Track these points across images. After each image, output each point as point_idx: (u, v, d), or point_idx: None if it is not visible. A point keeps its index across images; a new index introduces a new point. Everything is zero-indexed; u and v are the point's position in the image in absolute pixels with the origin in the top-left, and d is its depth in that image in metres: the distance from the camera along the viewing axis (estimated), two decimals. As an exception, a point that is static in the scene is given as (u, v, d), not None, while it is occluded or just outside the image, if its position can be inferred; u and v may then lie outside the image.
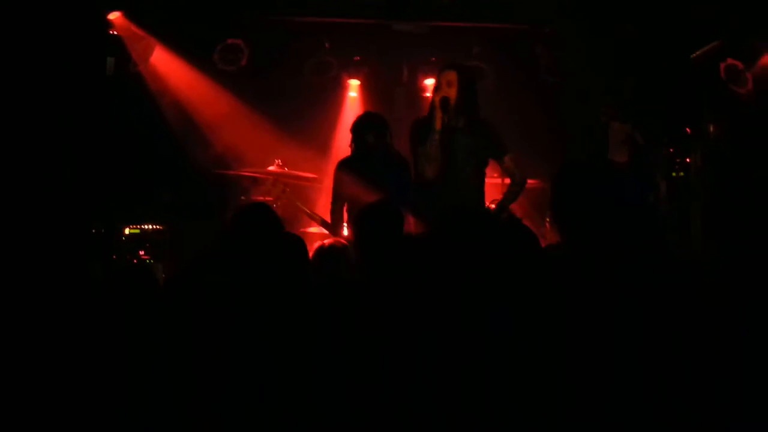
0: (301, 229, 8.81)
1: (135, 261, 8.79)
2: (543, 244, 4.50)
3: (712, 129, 8.98)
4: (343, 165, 8.05)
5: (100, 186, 8.79)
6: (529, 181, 7.79)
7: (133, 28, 9.76)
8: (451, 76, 7.16)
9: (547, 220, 9.25)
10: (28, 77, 8.20)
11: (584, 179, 4.11)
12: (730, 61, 9.48)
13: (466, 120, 7.15)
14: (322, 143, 10.30)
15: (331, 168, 8.73)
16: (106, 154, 9.09)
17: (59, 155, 8.45)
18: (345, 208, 7.84)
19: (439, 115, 7.06)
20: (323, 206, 8.60)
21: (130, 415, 3.88)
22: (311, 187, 9.70)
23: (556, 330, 3.58)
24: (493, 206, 7.72)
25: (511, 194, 7.46)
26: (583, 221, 3.98)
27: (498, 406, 3.54)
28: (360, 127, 7.95)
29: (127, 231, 9.05)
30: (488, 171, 7.52)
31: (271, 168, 9.18)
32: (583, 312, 3.58)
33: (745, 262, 3.84)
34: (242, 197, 9.69)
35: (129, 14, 9.63)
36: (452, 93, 7.11)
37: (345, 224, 7.80)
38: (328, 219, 8.12)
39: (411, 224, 6.71)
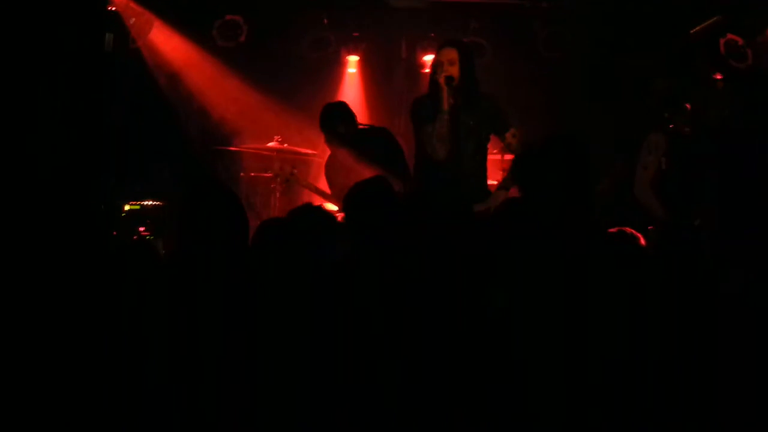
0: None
1: (135, 237, 8.79)
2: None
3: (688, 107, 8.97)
4: (330, 161, 8.13)
5: (99, 163, 8.79)
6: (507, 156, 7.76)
7: (132, 3, 9.75)
8: (453, 53, 7.13)
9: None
10: (25, 53, 8.18)
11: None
12: (730, 36, 9.47)
13: (467, 97, 7.13)
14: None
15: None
16: (105, 131, 9.09)
17: (57, 131, 8.44)
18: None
19: (445, 94, 7.03)
20: (324, 180, 8.63)
21: (135, 396, 3.90)
22: (312, 162, 9.70)
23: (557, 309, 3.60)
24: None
25: (512, 172, 7.40)
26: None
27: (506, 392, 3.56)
28: (328, 122, 8.04)
29: (126, 207, 9.05)
30: (489, 147, 7.52)
31: (270, 144, 9.18)
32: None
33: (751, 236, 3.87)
34: (242, 173, 9.72)
35: (127, -10, 9.63)
36: (455, 71, 7.09)
37: None
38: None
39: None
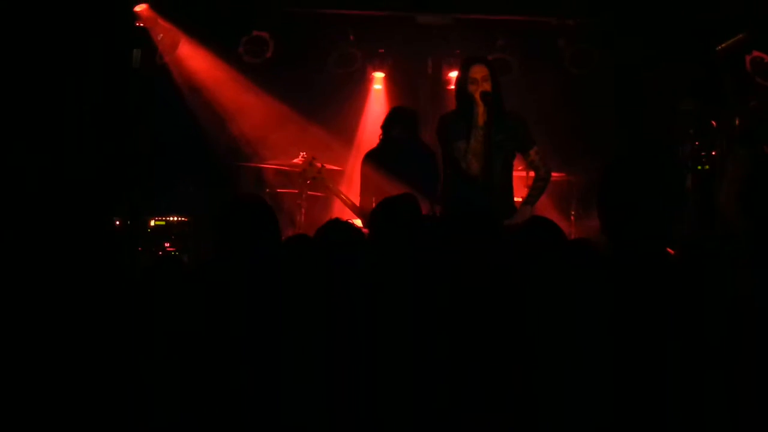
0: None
1: (160, 253, 8.82)
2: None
3: (737, 122, 8.93)
4: (368, 157, 8.10)
5: (125, 177, 8.84)
6: (554, 174, 7.77)
7: (160, 20, 9.79)
8: (485, 70, 7.15)
9: (572, 213, 9.25)
10: (55, 69, 8.24)
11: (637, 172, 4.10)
12: (755, 53, 9.44)
13: (498, 114, 7.15)
14: (347, 136, 10.33)
15: (355, 160, 8.74)
16: (132, 146, 9.14)
17: (85, 146, 8.50)
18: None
19: (481, 110, 7.05)
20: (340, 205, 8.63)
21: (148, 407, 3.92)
22: (336, 179, 9.70)
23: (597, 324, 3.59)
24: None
25: (536, 189, 7.39)
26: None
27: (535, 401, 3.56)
28: (388, 120, 8.07)
29: (152, 223, 9.08)
30: (514, 164, 7.53)
31: (295, 160, 9.19)
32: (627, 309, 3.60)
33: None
34: (267, 189, 9.72)
35: (155, 6, 9.66)
36: (489, 87, 7.11)
37: None
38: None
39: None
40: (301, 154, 9.11)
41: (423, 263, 4.25)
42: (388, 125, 8.12)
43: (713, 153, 9.01)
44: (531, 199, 7.35)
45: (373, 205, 7.74)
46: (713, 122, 7.75)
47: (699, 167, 8.85)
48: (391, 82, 10.79)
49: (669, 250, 4.13)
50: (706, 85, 9.22)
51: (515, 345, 3.69)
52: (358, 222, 7.90)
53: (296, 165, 9.12)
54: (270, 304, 4.05)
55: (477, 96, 7.05)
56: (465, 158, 7.08)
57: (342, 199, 8.58)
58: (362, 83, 10.77)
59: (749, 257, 4.02)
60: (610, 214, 4.15)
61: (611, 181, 4.20)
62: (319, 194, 9.20)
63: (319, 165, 8.88)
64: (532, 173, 7.67)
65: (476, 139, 7.04)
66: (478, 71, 7.16)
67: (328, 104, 10.28)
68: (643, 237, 3.96)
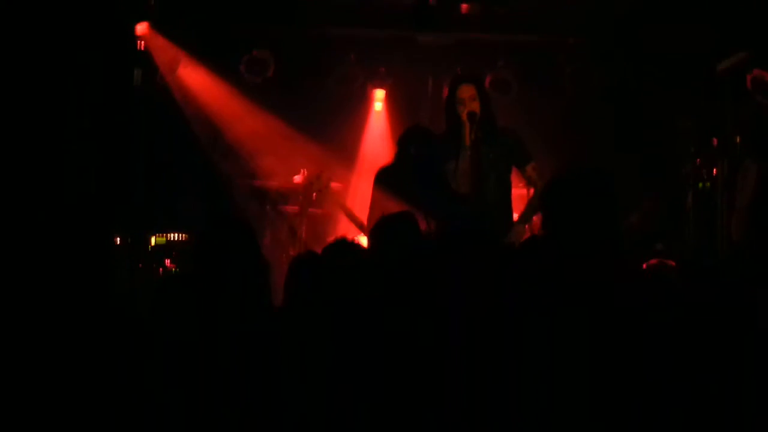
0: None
1: (161, 270, 8.82)
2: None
3: (738, 140, 8.93)
4: (381, 174, 8.04)
5: (127, 196, 8.84)
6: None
7: (161, 39, 9.82)
8: (472, 89, 7.16)
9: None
10: (56, 87, 8.25)
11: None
12: (756, 72, 9.44)
13: (487, 131, 7.13)
14: (347, 154, 10.33)
15: (356, 179, 8.73)
16: (133, 165, 9.15)
17: (86, 165, 8.50)
18: None
19: (468, 130, 7.05)
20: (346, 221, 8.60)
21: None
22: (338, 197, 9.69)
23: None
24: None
25: (532, 207, 7.31)
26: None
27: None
28: (403, 138, 7.90)
29: (153, 240, 9.08)
30: (515, 181, 7.50)
31: (296, 177, 9.19)
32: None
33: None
34: (268, 207, 9.72)
35: (156, 26, 9.69)
36: (476, 107, 7.10)
37: None
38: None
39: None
40: (302, 171, 9.12)
41: (420, 282, 4.23)
42: (404, 142, 8.04)
43: (714, 171, 9.02)
44: (525, 217, 7.30)
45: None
46: (714, 140, 7.75)
47: (700, 185, 8.86)
48: (391, 100, 10.81)
49: (671, 263, 4.14)
50: (706, 103, 9.23)
51: (513, 371, 3.67)
52: (364, 240, 7.88)
53: (297, 182, 9.12)
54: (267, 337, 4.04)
55: (464, 116, 7.04)
56: (454, 178, 7.07)
57: (349, 215, 8.53)
58: (363, 102, 10.79)
59: (754, 275, 4.00)
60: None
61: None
62: (319, 211, 9.20)
63: (326, 179, 8.85)
64: (532, 190, 7.65)
65: (464, 159, 7.03)
66: (466, 91, 7.16)
67: (329, 122, 10.29)
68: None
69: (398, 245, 4.78)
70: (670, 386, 3.51)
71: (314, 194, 8.80)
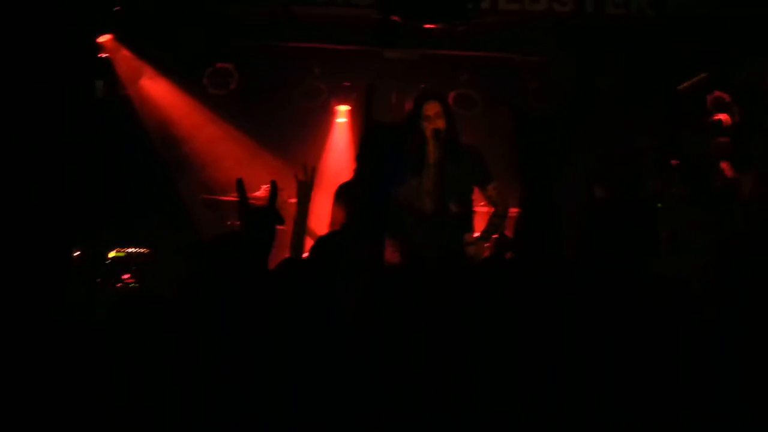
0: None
1: (119, 285, 8.78)
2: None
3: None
4: (341, 190, 7.99)
5: (85, 209, 8.79)
6: (513, 210, 7.76)
7: (123, 51, 9.79)
8: (437, 106, 7.12)
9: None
10: (16, 99, 8.20)
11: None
12: (717, 93, 9.52)
13: (452, 149, 7.12)
14: (304, 163, 10.28)
15: (317, 193, 8.68)
16: (93, 177, 9.09)
17: (45, 178, 8.45)
18: None
19: (432, 147, 7.03)
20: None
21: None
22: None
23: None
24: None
25: (492, 225, 7.27)
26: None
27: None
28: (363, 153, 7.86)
29: (111, 254, 9.03)
30: (477, 200, 7.49)
31: (257, 193, 9.16)
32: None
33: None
34: (228, 222, 9.69)
35: (119, 37, 9.66)
36: (441, 124, 7.08)
37: None
38: None
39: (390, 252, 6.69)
40: (263, 187, 9.09)
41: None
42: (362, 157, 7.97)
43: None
44: (485, 235, 7.28)
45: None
46: (673, 161, 7.80)
47: (659, 205, 8.90)
48: (355, 115, 10.81)
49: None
50: (666, 123, 9.29)
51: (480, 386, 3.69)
52: None
53: (258, 197, 9.08)
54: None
55: (428, 133, 7.03)
56: (419, 196, 7.04)
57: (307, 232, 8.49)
58: (326, 116, 10.80)
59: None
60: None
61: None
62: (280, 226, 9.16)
63: (285, 197, 8.83)
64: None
65: (428, 177, 7.01)
66: (431, 108, 7.12)
67: (293, 136, 10.28)
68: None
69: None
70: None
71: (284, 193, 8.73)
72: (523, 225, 3.81)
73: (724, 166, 7.77)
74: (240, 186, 4.50)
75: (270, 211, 4.68)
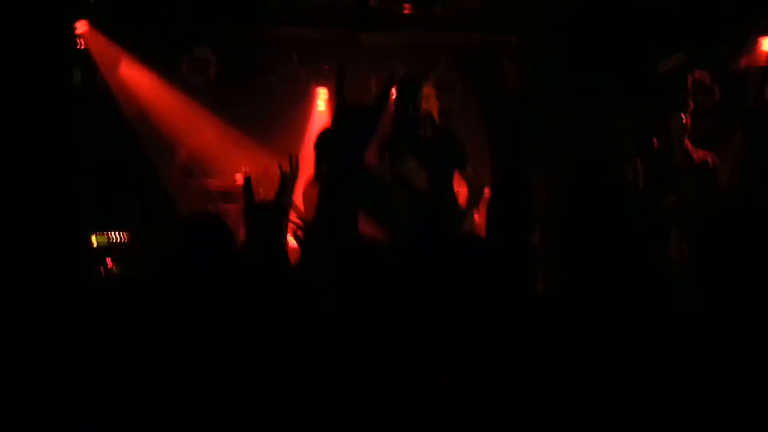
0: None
1: (102, 268, 8.74)
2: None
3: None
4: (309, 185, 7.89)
5: (67, 196, 8.74)
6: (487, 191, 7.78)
7: (101, 38, 9.74)
8: (433, 90, 7.19)
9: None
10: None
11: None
12: (697, 72, 9.53)
13: (445, 129, 7.17)
14: (290, 154, 10.26)
15: (298, 179, 8.66)
16: (72, 164, 9.04)
17: (25, 166, 8.40)
18: None
19: (435, 126, 7.07)
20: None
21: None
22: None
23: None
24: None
25: (468, 204, 7.39)
26: None
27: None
28: (321, 143, 7.56)
29: (93, 239, 8.99)
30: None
31: (238, 175, 9.17)
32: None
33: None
34: (210, 206, 9.68)
35: (96, 24, 9.61)
36: (432, 106, 7.13)
37: None
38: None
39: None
40: (243, 169, 9.08)
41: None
42: (322, 147, 7.80)
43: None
44: (467, 210, 7.35)
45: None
46: (654, 140, 7.80)
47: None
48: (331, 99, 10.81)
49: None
50: (647, 103, 9.31)
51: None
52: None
53: (239, 181, 9.08)
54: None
55: (435, 112, 7.05)
56: (420, 176, 7.03)
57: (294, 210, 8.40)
58: (306, 101, 10.79)
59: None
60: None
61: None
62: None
63: (273, 172, 8.77)
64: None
65: (428, 157, 7.02)
66: (429, 89, 7.19)
67: (272, 122, 10.28)
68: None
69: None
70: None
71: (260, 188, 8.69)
72: (493, 206, 3.76)
73: (687, 144, 7.81)
74: (247, 185, 4.37)
75: (276, 208, 4.60)
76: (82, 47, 9.65)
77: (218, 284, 4.13)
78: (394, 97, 7.34)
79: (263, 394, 3.81)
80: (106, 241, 9.03)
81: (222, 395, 3.81)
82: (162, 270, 4.31)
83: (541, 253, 3.99)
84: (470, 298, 3.75)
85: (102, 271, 8.77)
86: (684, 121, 7.77)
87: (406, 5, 9.75)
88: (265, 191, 8.55)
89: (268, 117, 10.34)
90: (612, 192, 3.96)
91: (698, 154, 7.76)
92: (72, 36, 9.36)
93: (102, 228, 9.11)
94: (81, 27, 9.51)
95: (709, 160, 7.73)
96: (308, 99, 10.81)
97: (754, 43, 9.14)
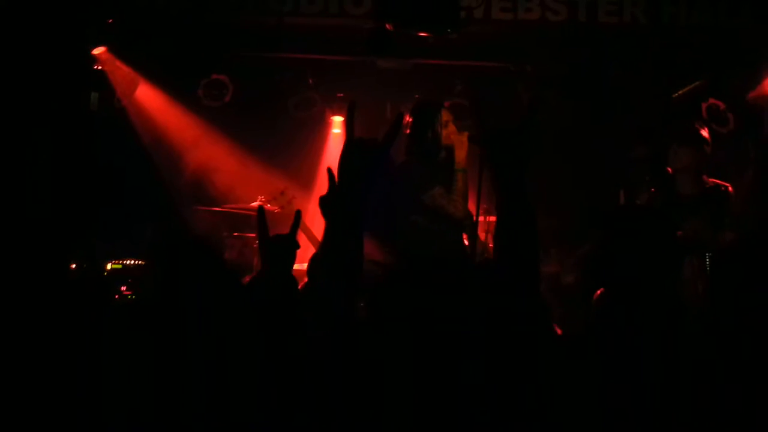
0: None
1: (116, 296, 8.74)
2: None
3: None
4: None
5: (83, 221, 8.78)
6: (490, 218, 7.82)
7: (118, 63, 9.79)
8: (447, 115, 7.22)
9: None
10: (11, 111, 8.20)
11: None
12: (711, 100, 9.54)
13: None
14: (305, 179, 10.32)
15: (313, 205, 8.69)
16: (90, 189, 9.09)
17: (42, 190, 8.45)
18: None
19: (464, 152, 7.05)
20: (305, 241, 8.56)
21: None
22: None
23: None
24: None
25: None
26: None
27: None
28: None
29: (109, 266, 9.01)
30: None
31: (254, 204, 9.17)
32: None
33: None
34: (225, 233, 9.69)
35: (113, 49, 9.65)
36: (450, 131, 7.16)
37: None
38: None
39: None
40: (259, 197, 9.09)
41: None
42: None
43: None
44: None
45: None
46: (669, 169, 7.79)
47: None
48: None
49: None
50: (659, 132, 9.29)
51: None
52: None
53: (254, 209, 9.08)
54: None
55: (464, 138, 7.04)
56: (451, 202, 7.01)
57: (308, 236, 8.47)
58: (321, 127, 10.83)
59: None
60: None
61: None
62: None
63: (290, 196, 8.81)
64: (490, 218, 7.69)
65: (457, 181, 7.01)
66: (446, 115, 7.20)
67: (287, 147, 10.33)
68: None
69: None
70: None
71: (277, 210, 8.71)
72: (499, 232, 3.77)
73: (701, 173, 7.81)
74: (261, 215, 4.37)
75: (291, 241, 4.60)
76: (100, 72, 9.69)
77: (213, 309, 4.16)
78: (410, 123, 7.35)
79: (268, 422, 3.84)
80: (121, 267, 9.05)
81: (228, 419, 3.84)
82: (159, 295, 4.35)
83: (572, 293, 4.02)
84: (478, 324, 3.77)
85: (117, 297, 8.78)
86: (697, 151, 7.75)
87: (422, 33, 9.76)
88: (280, 208, 8.60)
89: (284, 142, 10.38)
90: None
91: (712, 183, 7.75)
92: (90, 61, 9.43)
93: (117, 255, 9.13)
94: (99, 52, 9.55)
95: (723, 189, 7.71)
96: (324, 123, 10.84)
97: (768, 73, 9.13)
